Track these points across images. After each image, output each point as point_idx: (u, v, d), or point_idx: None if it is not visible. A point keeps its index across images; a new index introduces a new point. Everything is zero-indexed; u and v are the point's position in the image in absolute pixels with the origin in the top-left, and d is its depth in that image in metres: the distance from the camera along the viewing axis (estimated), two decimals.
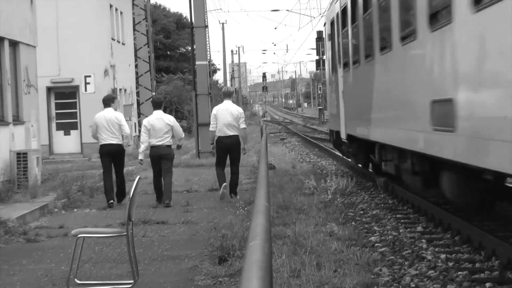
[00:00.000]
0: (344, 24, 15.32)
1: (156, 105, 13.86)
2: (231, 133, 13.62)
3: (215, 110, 13.81)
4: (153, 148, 13.50)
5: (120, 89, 29.81)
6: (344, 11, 15.15)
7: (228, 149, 13.72)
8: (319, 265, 7.62)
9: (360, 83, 13.56)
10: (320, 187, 14.27)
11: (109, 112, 13.64)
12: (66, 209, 13.42)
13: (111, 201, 13.60)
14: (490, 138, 6.37)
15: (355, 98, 14.38)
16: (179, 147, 14.40)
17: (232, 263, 7.88)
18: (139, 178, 7.65)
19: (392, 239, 9.33)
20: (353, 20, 14.01)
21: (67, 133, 27.16)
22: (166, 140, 13.45)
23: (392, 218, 11.06)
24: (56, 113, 27.14)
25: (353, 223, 10.71)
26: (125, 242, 7.58)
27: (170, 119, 13.67)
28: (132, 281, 7.38)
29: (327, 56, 19.57)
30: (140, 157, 13.94)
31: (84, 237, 7.48)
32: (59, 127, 27.16)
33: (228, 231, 9.02)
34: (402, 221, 10.77)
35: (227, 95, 14.19)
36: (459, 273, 7.40)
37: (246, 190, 14.85)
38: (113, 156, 13.64)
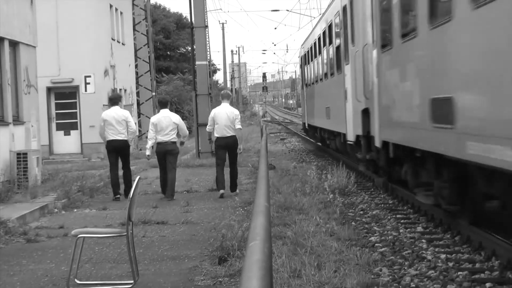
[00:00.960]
0: (305, 62, 27.75)
1: (162, 105, 14.87)
2: (229, 134, 14.42)
3: (213, 113, 14.62)
4: (159, 145, 14.40)
5: (120, 89, 29.80)
6: (304, 55, 27.88)
7: (226, 148, 14.47)
8: (319, 265, 7.62)
9: (311, 96, 25.45)
10: (319, 186, 14.27)
11: (117, 110, 14.58)
12: (66, 209, 13.43)
13: (118, 195, 14.47)
14: (335, 121, 18.00)
15: (310, 103, 26.12)
16: (182, 143, 15.13)
17: (232, 263, 7.88)
18: (139, 179, 7.65)
19: (392, 239, 9.33)
20: (309, 62, 25.99)
21: (67, 133, 27.14)
22: (172, 137, 14.37)
23: (392, 218, 11.06)
24: (56, 113, 27.12)
25: (353, 223, 10.71)
26: (125, 242, 7.58)
27: (176, 117, 14.56)
28: (132, 281, 7.38)
29: (300, 78, 34.19)
30: (147, 152, 14.89)
31: (84, 237, 7.48)
32: (59, 127, 27.13)
33: (228, 231, 9.01)
34: (402, 221, 10.77)
35: (226, 97, 14.87)
36: (459, 273, 7.40)
37: (246, 190, 14.87)
38: (119, 151, 14.55)
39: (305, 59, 27.25)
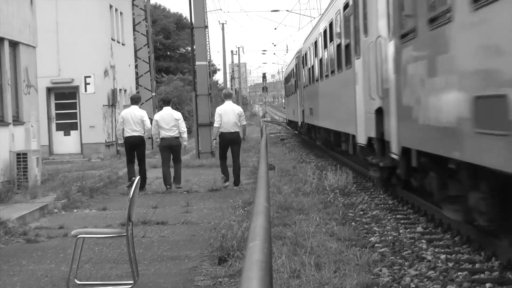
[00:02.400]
0: (286, 82, 45.18)
1: (165, 103, 16.46)
2: (233, 130, 15.52)
3: (219, 110, 15.64)
4: (163, 140, 15.68)
5: (120, 90, 29.79)
6: (286, 77, 44.97)
7: (229, 143, 15.55)
8: (319, 266, 7.61)
9: (288, 102, 43.90)
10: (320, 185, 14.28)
11: (135, 110, 15.94)
12: (66, 210, 13.43)
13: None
14: (295, 116, 34.92)
15: (288, 106, 45.78)
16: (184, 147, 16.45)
17: (232, 264, 7.88)
18: (139, 179, 7.65)
19: (392, 240, 9.33)
20: (287, 82, 42.62)
21: (67, 133, 27.14)
22: (175, 132, 15.67)
23: (392, 218, 11.05)
24: (56, 114, 27.13)
25: (353, 223, 10.71)
26: (125, 242, 7.58)
27: (177, 114, 15.89)
28: (132, 282, 7.38)
29: (284, 89, 50.09)
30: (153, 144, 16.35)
31: (84, 237, 7.47)
32: (59, 127, 27.13)
33: (228, 232, 9.01)
34: (402, 221, 10.77)
35: (228, 96, 16.09)
36: (459, 273, 7.40)
37: (246, 190, 14.87)
38: (135, 146, 15.86)
39: (286, 79, 44.51)
